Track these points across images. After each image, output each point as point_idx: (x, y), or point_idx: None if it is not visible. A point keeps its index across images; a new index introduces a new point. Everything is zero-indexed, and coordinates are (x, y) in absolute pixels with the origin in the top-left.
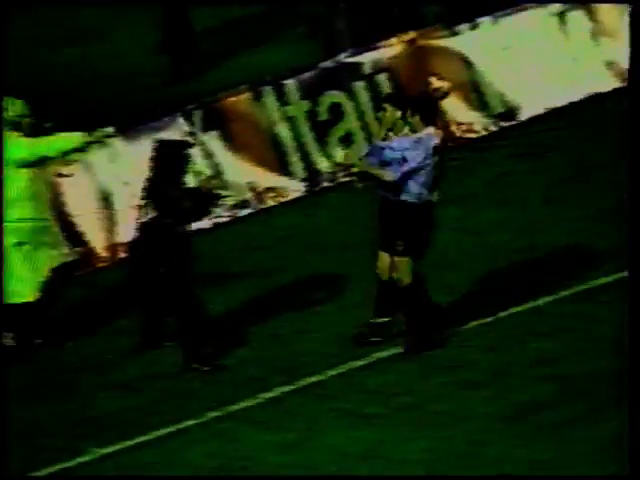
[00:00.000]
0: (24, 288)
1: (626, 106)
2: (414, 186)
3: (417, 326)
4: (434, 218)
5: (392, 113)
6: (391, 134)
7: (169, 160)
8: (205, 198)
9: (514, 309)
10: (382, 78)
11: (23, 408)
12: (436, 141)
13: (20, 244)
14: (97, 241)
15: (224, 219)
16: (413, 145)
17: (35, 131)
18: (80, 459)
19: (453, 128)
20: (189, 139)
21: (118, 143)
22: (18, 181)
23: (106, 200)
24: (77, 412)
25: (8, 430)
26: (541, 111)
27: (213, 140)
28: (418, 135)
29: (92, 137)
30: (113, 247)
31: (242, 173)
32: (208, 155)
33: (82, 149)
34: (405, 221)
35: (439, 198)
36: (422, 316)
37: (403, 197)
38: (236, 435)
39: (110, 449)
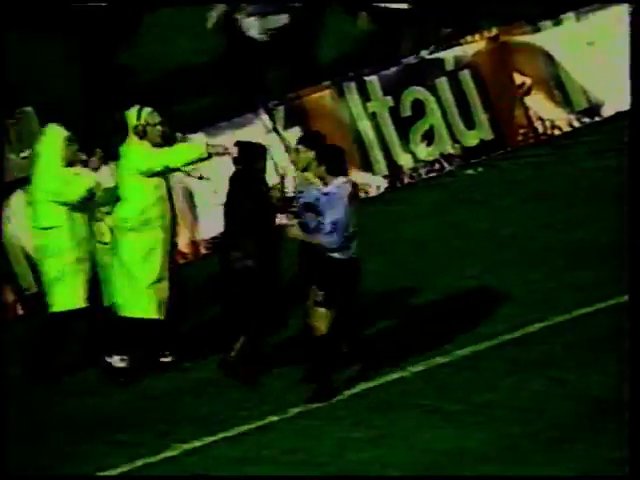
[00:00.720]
0: (148, 304)
1: (629, 106)
2: (339, 240)
3: (326, 375)
4: (359, 271)
5: (306, 154)
6: (306, 174)
7: (243, 161)
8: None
9: (597, 305)
10: (465, 74)
11: (105, 403)
12: (349, 190)
13: (145, 257)
14: (180, 238)
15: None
16: (328, 202)
17: (166, 139)
18: (164, 454)
19: (536, 124)
20: (264, 141)
21: (200, 138)
22: (144, 190)
23: (188, 196)
24: (160, 408)
25: (86, 425)
26: (625, 107)
27: (295, 136)
28: (330, 189)
29: (214, 149)
30: (195, 243)
31: None
32: (290, 151)
33: (205, 159)
34: (330, 275)
35: (359, 250)
36: (331, 366)
37: (330, 253)
38: (318, 431)
39: (193, 445)
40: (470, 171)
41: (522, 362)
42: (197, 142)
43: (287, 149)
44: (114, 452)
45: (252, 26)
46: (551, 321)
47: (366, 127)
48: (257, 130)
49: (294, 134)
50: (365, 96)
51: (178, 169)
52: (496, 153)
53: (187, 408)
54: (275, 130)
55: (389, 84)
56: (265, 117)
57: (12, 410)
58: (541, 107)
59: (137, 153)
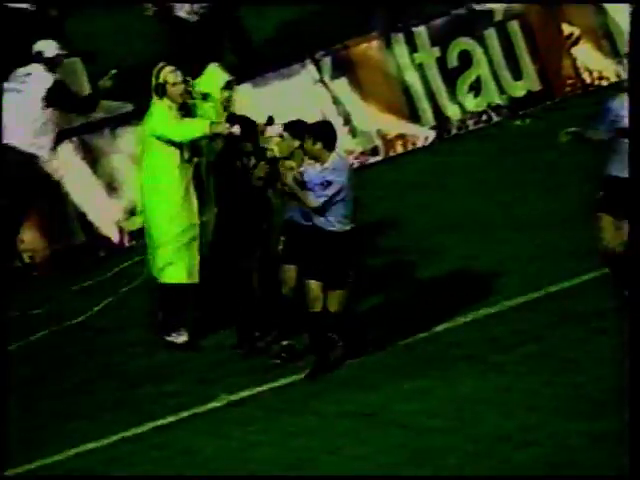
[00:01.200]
0: (183, 270)
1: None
2: (338, 214)
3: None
4: (359, 244)
5: (289, 142)
6: (288, 163)
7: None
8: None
9: None
10: (513, 25)
11: (151, 354)
12: (349, 162)
13: (184, 231)
14: None
15: (354, 166)
16: (332, 171)
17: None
18: (210, 405)
19: (584, 75)
20: (310, 92)
21: (247, 89)
22: (160, 150)
23: None
24: (206, 359)
25: (132, 376)
26: None
27: (342, 87)
28: (331, 162)
29: (217, 128)
30: None
31: (371, 120)
32: (337, 102)
33: (208, 137)
34: (332, 250)
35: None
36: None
37: (329, 227)
38: (368, 383)
39: (240, 395)
40: (518, 122)
41: (568, 313)
42: (202, 119)
43: (334, 100)
44: (160, 402)
45: (180, 6)
46: (597, 273)
47: (413, 78)
48: (304, 81)
49: (341, 85)
50: (412, 47)
51: (181, 143)
52: (544, 104)
53: (233, 359)
54: (322, 81)
55: (437, 35)
56: (312, 68)
57: (58, 363)
58: (589, 57)
59: (155, 114)
